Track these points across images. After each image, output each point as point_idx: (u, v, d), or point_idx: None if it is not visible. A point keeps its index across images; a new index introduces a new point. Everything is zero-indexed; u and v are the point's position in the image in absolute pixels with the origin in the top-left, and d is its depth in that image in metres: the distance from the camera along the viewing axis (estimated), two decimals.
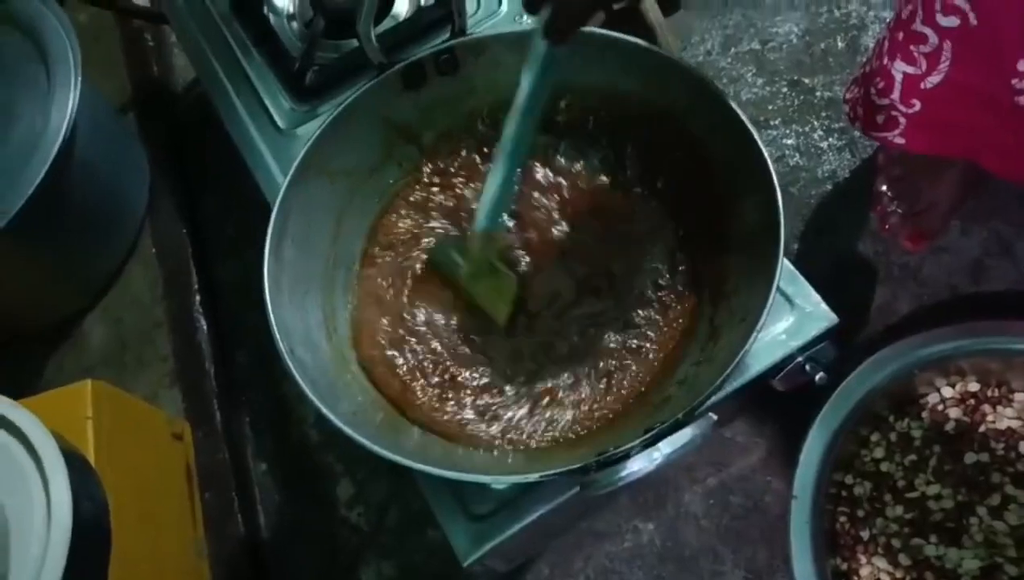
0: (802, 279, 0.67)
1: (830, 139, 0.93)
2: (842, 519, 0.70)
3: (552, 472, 0.51)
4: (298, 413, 0.89)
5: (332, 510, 0.82)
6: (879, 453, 0.71)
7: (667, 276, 0.67)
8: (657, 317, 0.66)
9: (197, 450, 0.84)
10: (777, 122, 0.95)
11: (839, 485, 0.71)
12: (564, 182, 0.73)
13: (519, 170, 0.66)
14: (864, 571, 0.68)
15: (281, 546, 0.82)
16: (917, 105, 0.69)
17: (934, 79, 0.67)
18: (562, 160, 0.73)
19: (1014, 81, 0.61)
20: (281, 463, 0.87)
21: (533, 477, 0.52)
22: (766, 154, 0.60)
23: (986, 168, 0.70)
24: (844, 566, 0.68)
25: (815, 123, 0.94)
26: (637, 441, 0.50)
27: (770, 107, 0.97)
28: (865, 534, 0.69)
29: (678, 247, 0.69)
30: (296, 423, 0.88)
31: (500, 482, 0.58)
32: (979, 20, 0.60)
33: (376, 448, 0.55)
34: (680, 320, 0.66)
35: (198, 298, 0.95)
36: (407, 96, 0.73)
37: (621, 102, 0.71)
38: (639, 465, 0.47)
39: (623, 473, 0.48)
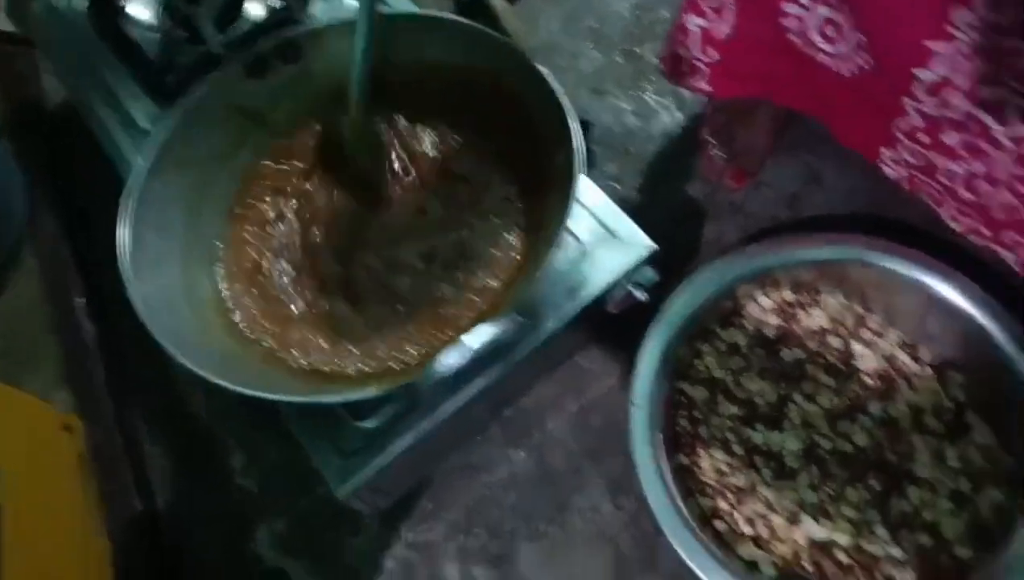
0: (624, 215, 0.76)
1: (662, 100, 1.03)
2: (682, 422, 0.78)
3: (391, 385, 0.58)
4: (190, 396, 0.93)
5: (226, 479, 0.87)
6: (710, 361, 0.80)
7: (503, 218, 0.75)
8: (496, 253, 0.74)
9: (90, 440, 0.88)
10: (615, 89, 1.05)
11: (679, 393, 0.79)
12: (409, 144, 0.81)
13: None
14: (704, 463, 0.76)
15: (178, 517, 0.86)
16: (716, 55, 0.79)
17: (724, 29, 0.76)
18: (404, 122, 0.81)
19: (781, 20, 0.71)
20: (175, 444, 0.91)
21: (371, 391, 0.59)
22: (565, 108, 0.69)
23: (790, 107, 0.80)
24: (687, 461, 0.77)
25: (648, 87, 1.04)
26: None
27: (607, 77, 1.06)
28: (704, 432, 0.77)
29: (512, 195, 0.77)
30: (189, 405, 0.93)
31: (342, 399, 0.65)
32: None
33: (238, 387, 0.60)
34: (515, 255, 0.73)
35: (83, 301, 0.99)
36: (254, 84, 0.80)
37: (453, 73, 0.79)
38: (452, 360, 0.53)
39: (441, 366, 0.54)
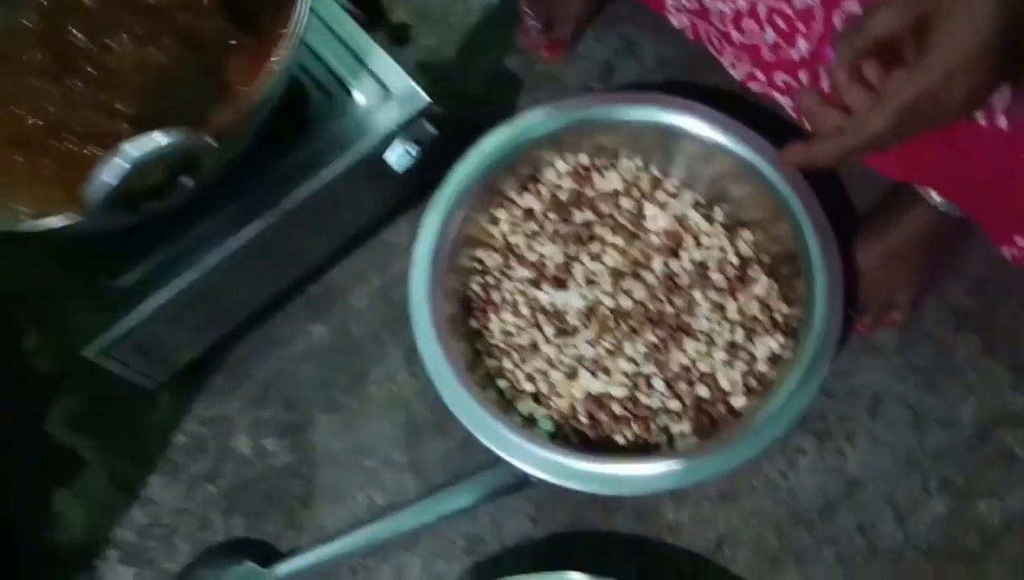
0: (399, 69, 0.73)
1: None
2: (475, 287, 0.77)
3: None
4: None
5: (20, 361, 0.84)
6: (505, 228, 0.79)
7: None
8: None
9: None
10: None
11: (476, 260, 0.78)
12: None
13: None
14: (493, 326, 0.76)
15: None
16: None
17: None
18: None
19: None
20: None
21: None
22: None
23: None
24: (477, 325, 0.76)
25: None
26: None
27: None
28: (496, 297, 0.76)
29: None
30: None
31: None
32: None
33: None
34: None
35: None
36: None
37: None
38: (107, 178, 0.49)
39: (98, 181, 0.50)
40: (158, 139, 0.50)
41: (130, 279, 0.66)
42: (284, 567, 0.73)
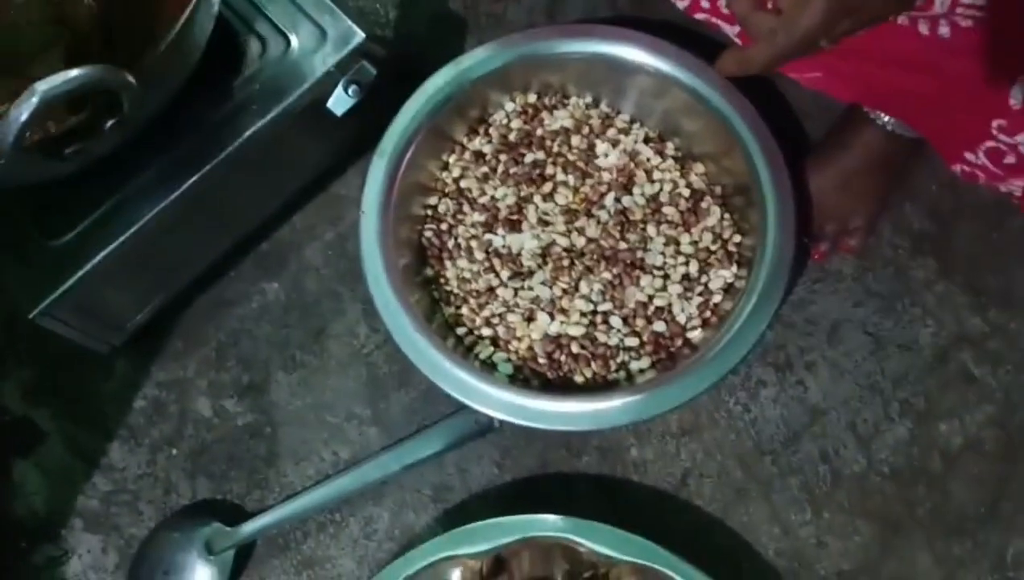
0: (335, 8, 0.71)
1: None
2: (428, 234, 0.76)
3: None
4: None
5: None
6: (456, 172, 0.77)
7: None
8: None
9: None
10: None
11: (428, 207, 0.77)
12: None
13: None
14: (449, 273, 0.75)
15: None
16: None
17: None
18: None
19: None
20: None
21: None
22: None
23: None
24: (432, 273, 0.75)
25: None
26: None
27: None
28: (450, 243, 0.75)
29: None
30: None
31: None
32: None
33: None
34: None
35: None
36: None
37: None
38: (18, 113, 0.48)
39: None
40: (70, 74, 0.48)
41: (68, 237, 0.64)
42: (251, 525, 0.72)
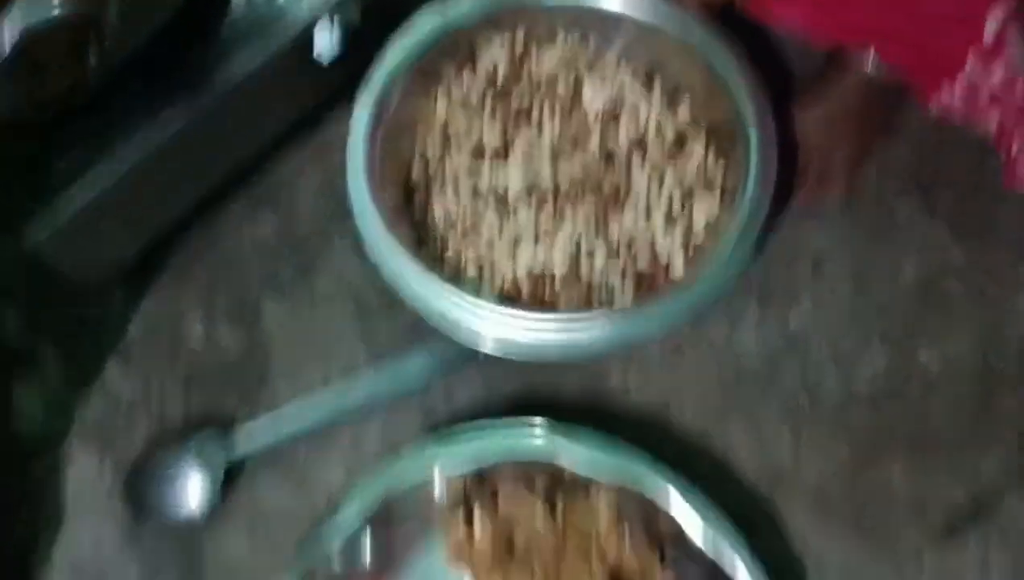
0: None
1: None
2: (415, 171, 0.77)
3: None
4: None
5: None
6: (442, 111, 0.78)
7: None
8: None
9: None
10: None
11: (415, 145, 0.78)
12: None
13: None
14: (435, 209, 0.76)
15: None
16: None
17: None
18: None
19: None
20: None
21: None
22: None
23: None
24: (419, 210, 0.76)
25: None
26: None
27: None
28: (437, 180, 0.77)
29: None
30: None
31: None
32: None
33: None
34: None
35: None
36: None
37: None
38: None
39: None
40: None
41: (65, 175, 0.66)
42: (242, 434, 0.74)
